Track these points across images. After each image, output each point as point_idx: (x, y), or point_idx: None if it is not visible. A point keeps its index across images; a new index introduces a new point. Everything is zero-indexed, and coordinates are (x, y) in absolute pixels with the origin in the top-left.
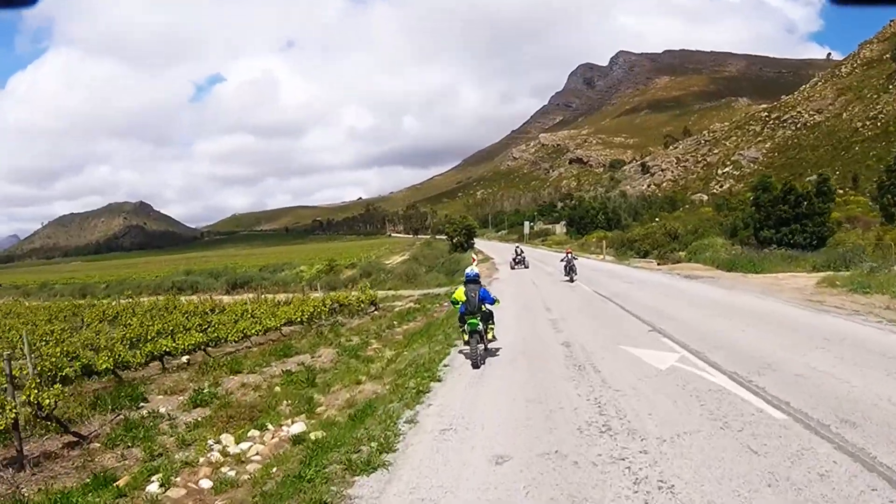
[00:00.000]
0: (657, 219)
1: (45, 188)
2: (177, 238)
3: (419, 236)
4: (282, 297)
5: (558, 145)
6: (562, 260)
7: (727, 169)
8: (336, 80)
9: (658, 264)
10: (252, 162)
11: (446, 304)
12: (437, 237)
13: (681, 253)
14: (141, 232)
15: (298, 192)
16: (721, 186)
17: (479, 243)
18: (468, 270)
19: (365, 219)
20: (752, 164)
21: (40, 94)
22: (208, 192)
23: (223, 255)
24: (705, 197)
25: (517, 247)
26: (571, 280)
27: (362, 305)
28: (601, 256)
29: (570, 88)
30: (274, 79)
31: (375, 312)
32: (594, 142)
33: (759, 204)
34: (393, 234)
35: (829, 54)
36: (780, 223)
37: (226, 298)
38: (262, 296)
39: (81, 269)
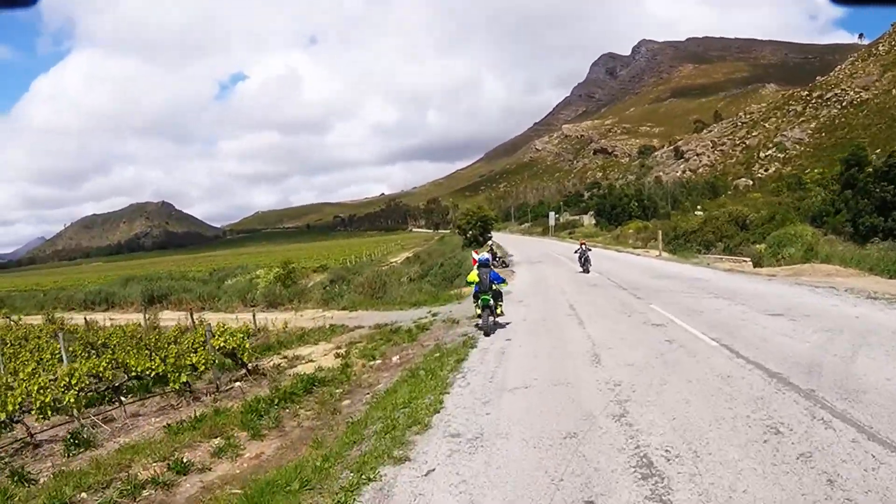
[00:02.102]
0: (699, 206)
1: (73, 189)
2: (199, 237)
3: (440, 231)
4: (188, 319)
5: (582, 136)
6: (575, 251)
7: (770, 151)
8: (360, 74)
9: (753, 266)
10: (277, 159)
11: (395, 358)
12: (457, 231)
13: (758, 246)
14: (163, 232)
15: (323, 188)
16: (766, 170)
17: (499, 237)
18: (480, 256)
19: (387, 214)
20: (797, 146)
21: (64, 96)
22: (234, 191)
23: (235, 254)
24: (750, 181)
25: (582, 244)
26: (586, 271)
27: (203, 367)
28: (656, 253)
29: (593, 79)
30: (297, 75)
31: (237, 385)
32: (618, 131)
33: (852, 183)
34: (414, 230)
35: (861, 35)
36: (884, 207)
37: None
38: (151, 319)
39: (100, 269)
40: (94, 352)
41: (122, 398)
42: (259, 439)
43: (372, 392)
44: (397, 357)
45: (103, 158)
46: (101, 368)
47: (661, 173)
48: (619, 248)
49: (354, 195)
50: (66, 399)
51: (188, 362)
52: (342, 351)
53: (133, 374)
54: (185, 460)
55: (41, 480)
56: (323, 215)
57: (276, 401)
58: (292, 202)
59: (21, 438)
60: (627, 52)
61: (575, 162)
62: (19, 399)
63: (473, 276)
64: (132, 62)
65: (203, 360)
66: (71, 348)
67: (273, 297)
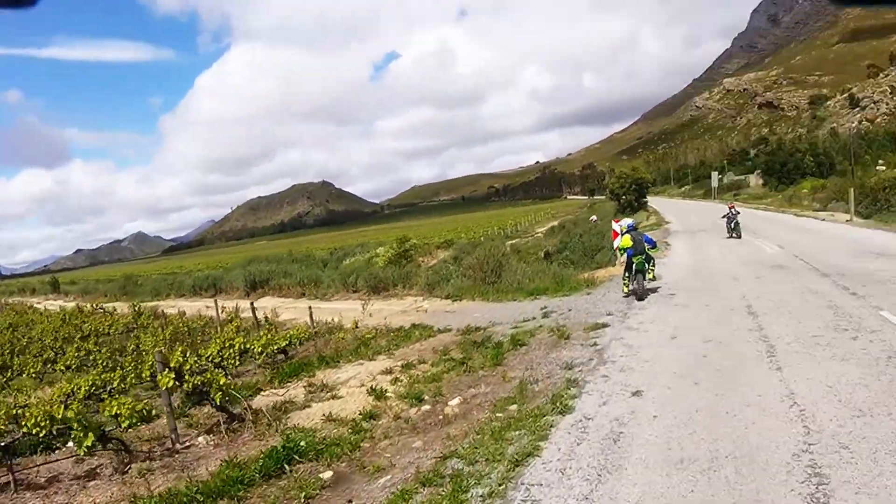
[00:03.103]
0: (880, 160)
1: (240, 175)
2: (357, 213)
3: (595, 197)
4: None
5: (745, 90)
6: (724, 216)
7: None
8: (512, 41)
9: None
10: (433, 133)
11: (454, 402)
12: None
13: None
14: (323, 210)
15: (480, 160)
16: None
17: (656, 202)
18: (626, 222)
19: (541, 182)
20: None
21: (228, 89)
22: (393, 167)
23: (387, 228)
24: None
25: (731, 208)
26: (738, 236)
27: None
28: (846, 217)
29: (754, 27)
30: (449, 48)
31: (201, 440)
32: (784, 83)
33: None
34: (569, 197)
35: None
36: None
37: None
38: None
39: (264, 247)
40: None
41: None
42: None
43: (369, 493)
44: (457, 400)
45: (267, 144)
46: None
47: (834, 125)
48: (797, 210)
49: (510, 165)
50: None
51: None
52: (389, 379)
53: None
54: None
55: None
56: (478, 187)
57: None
58: (449, 175)
59: None
60: None
61: (738, 118)
62: None
63: (627, 240)
64: (289, 52)
65: (127, 412)
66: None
67: (376, 280)
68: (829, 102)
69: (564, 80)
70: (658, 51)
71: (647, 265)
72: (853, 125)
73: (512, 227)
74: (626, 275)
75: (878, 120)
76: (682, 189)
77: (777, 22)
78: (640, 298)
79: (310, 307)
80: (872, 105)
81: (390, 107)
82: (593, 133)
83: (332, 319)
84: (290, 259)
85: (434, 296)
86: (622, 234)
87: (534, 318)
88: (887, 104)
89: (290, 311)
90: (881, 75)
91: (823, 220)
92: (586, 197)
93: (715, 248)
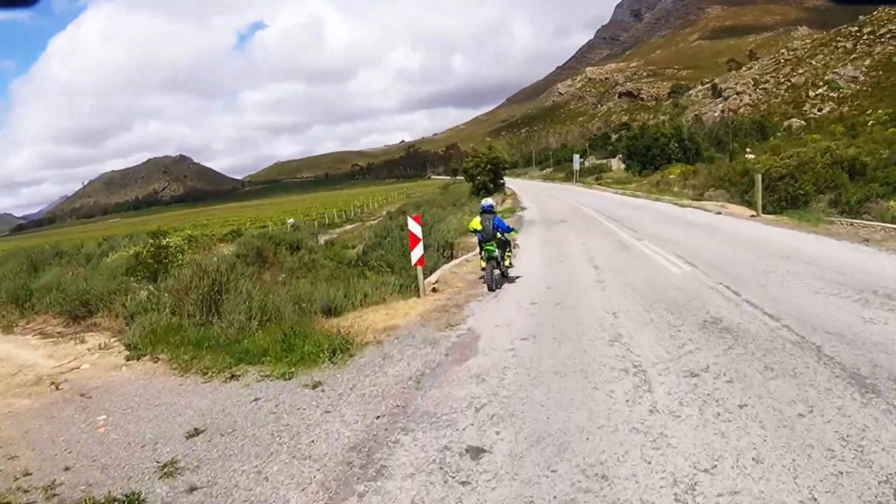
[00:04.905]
0: (748, 149)
1: (97, 147)
2: (216, 190)
3: (456, 178)
4: None
5: (606, 79)
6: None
7: (821, 90)
8: (383, 19)
9: None
10: (299, 109)
11: None
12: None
13: (892, 202)
14: (181, 185)
15: (346, 138)
16: (820, 110)
17: (516, 184)
18: (483, 202)
19: (406, 161)
20: (851, 84)
21: (83, 53)
22: (258, 143)
23: (240, 207)
24: (802, 122)
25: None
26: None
27: None
28: (747, 212)
29: (617, 21)
30: (319, 22)
31: None
32: (644, 74)
33: None
34: (433, 177)
35: None
36: None
37: None
38: None
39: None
40: None
41: None
42: None
43: None
44: None
45: (125, 115)
46: None
47: (696, 113)
48: (672, 199)
49: (377, 143)
50: None
51: None
52: None
53: None
54: None
55: None
56: (344, 165)
57: None
58: (315, 151)
59: None
60: None
61: (599, 106)
62: None
63: (475, 223)
64: (148, 15)
65: None
66: None
67: (79, 299)
68: (690, 91)
69: (434, 62)
70: (526, 38)
71: (501, 252)
72: (716, 114)
73: (356, 208)
74: (481, 254)
75: (741, 110)
76: (544, 172)
77: (639, 17)
78: (491, 288)
79: None
80: (735, 95)
81: (256, 79)
82: (460, 115)
83: None
84: (53, 253)
85: (125, 339)
86: (479, 214)
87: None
88: (750, 96)
89: None
90: (744, 68)
91: (719, 213)
92: (449, 177)
93: (582, 255)
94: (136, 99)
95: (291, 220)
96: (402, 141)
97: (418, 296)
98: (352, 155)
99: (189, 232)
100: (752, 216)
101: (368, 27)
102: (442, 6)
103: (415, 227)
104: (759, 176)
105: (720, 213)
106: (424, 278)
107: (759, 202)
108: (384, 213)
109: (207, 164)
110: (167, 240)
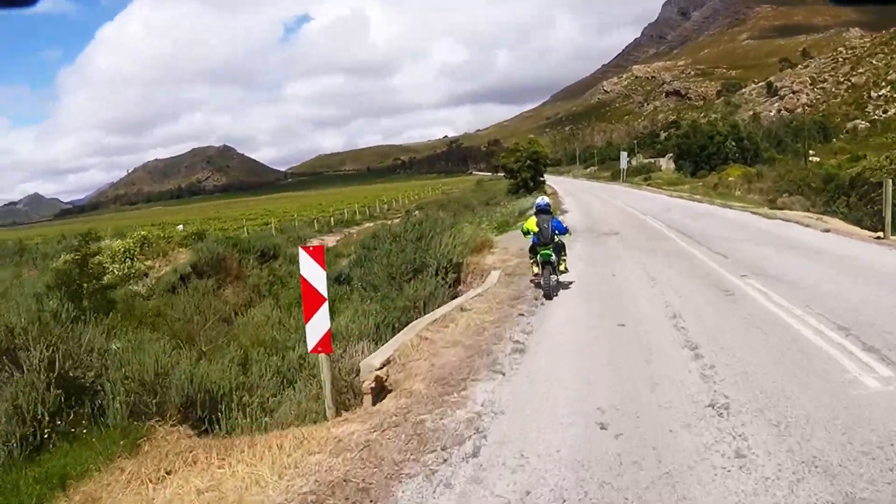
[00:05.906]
0: (811, 151)
1: (143, 137)
2: (259, 181)
3: (498, 174)
4: None
5: (653, 77)
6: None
7: (884, 91)
8: (427, 14)
9: None
10: (343, 102)
11: None
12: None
13: None
14: (224, 175)
15: (388, 132)
16: (885, 112)
17: (557, 182)
18: (538, 201)
19: (448, 157)
20: None
21: (130, 44)
22: (301, 135)
23: (280, 199)
24: (866, 123)
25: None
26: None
27: None
28: (877, 234)
29: (665, 19)
30: (363, 16)
31: None
32: (692, 73)
33: None
34: (475, 173)
35: None
36: None
37: None
38: None
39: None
40: None
41: None
42: None
43: None
44: None
45: (171, 105)
46: None
47: (750, 112)
48: (745, 206)
49: (419, 138)
50: None
51: None
52: None
53: None
54: None
55: None
56: (386, 158)
57: None
58: (358, 145)
59: None
60: None
61: (646, 104)
62: None
63: (531, 223)
64: (195, 7)
65: None
66: None
67: None
68: (743, 90)
69: (478, 57)
70: (571, 35)
71: (557, 256)
72: (771, 113)
73: (383, 204)
74: (533, 259)
75: (798, 110)
76: (588, 170)
77: (687, 15)
78: (548, 297)
79: None
80: (792, 94)
81: (300, 72)
82: (504, 111)
83: None
84: (16, 250)
85: None
86: (534, 214)
87: None
88: (808, 95)
89: None
90: (799, 66)
91: (827, 231)
92: (490, 174)
93: (654, 305)
94: (181, 89)
95: (181, 226)
96: (445, 136)
97: (326, 418)
98: (394, 149)
99: (143, 233)
100: (878, 238)
101: (411, 22)
102: (486, 2)
103: (312, 270)
104: (889, 181)
105: (828, 232)
106: (376, 347)
107: (889, 218)
108: (413, 209)
109: (251, 155)
110: (101, 244)
